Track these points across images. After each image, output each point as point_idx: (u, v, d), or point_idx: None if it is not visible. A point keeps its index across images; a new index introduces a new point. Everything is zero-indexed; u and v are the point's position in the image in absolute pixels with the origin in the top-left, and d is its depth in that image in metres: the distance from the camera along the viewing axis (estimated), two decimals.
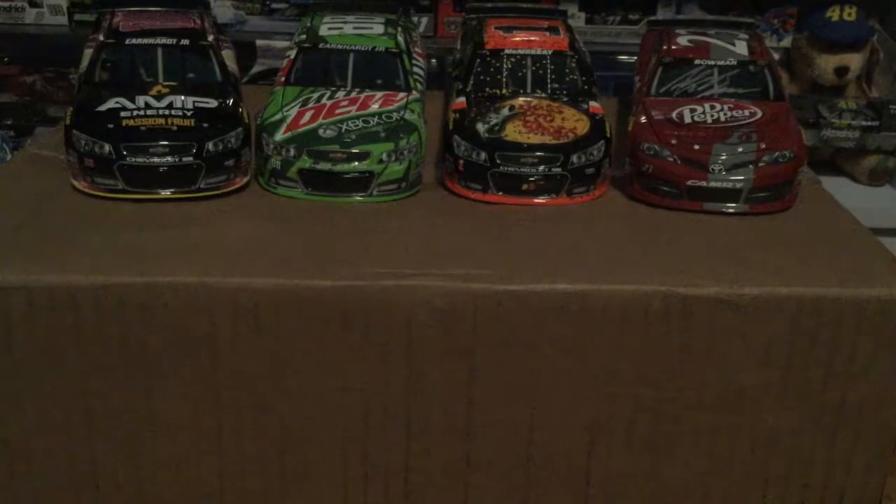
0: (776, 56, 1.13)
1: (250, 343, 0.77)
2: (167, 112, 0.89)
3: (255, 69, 1.66)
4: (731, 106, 0.97)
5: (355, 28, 1.03)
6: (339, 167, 0.90)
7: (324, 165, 0.90)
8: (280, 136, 0.91)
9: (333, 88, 0.97)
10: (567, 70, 1.01)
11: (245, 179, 0.92)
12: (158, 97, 0.91)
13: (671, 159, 0.92)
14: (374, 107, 0.95)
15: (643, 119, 0.97)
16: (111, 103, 0.90)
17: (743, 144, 0.92)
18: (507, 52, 1.01)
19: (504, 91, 0.99)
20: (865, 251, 0.84)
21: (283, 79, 0.99)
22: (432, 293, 0.76)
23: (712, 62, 1.01)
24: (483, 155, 0.91)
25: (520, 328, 0.77)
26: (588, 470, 0.82)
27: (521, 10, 1.12)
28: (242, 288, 0.75)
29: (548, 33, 1.04)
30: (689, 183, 0.91)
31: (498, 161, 0.91)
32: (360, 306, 0.76)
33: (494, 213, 0.90)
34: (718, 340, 0.78)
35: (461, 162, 0.92)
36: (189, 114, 0.90)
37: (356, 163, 0.90)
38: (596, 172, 0.93)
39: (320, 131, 0.91)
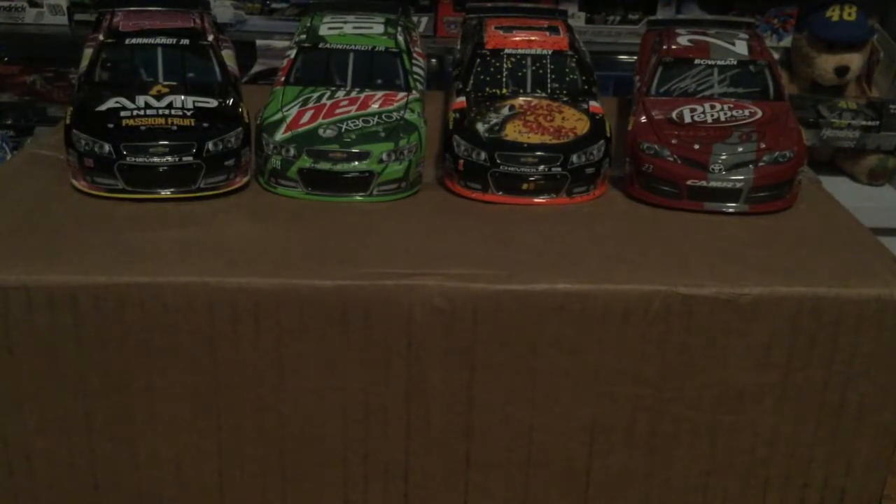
0: (776, 56, 1.13)
1: (250, 343, 0.77)
2: (167, 112, 0.89)
3: (255, 69, 1.66)
4: (731, 106, 0.97)
5: (355, 28, 1.03)
6: (339, 167, 0.90)
7: (324, 165, 0.90)
8: (280, 135, 0.91)
9: (333, 88, 0.97)
10: (567, 70, 1.01)
11: (245, 179, 0.92)
12: (158, 97, 0.91)
13: (671, 159, 0.92)
14: (374, 106, 0.95)
15: (643, 119, 0.97)
16: (111, 103, 0.90)
17: (743, 144, 0.92)
18: (507, 51, 1.01)
19: (504, 91, 0.99)
20: (865, 251, 0.84)
21: (282, 78, 0.99)
22: (432, 293, 0.76)
23: (712, 62, 1.01)
24: (483, 155, 0.91)
25: (520, 328, 0.77)
26: (588, 470, 0.82)
27: (521, 9, 1.12)
28: (242, 288, 0.75)
29: (548, 33, 1.04)
30: (689, 183, 0.91)
31: (498, 161, 0.91)
32: (360, 306, 0.76)
33: (494, 213, 0.90)
34: (718, 340, 0.78)
35: (461, 162, 0.92)
36: (189, 113, 0.90)
37: (356, 162, 0.90)
38: (596, 172, 0.93)
39: (320, 131, 0.91)
